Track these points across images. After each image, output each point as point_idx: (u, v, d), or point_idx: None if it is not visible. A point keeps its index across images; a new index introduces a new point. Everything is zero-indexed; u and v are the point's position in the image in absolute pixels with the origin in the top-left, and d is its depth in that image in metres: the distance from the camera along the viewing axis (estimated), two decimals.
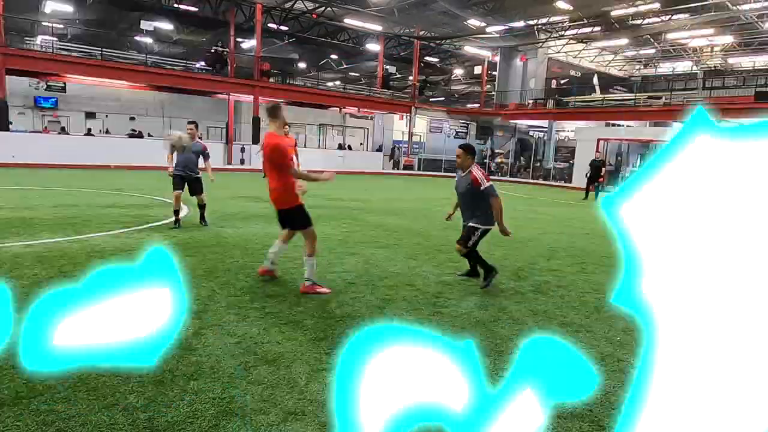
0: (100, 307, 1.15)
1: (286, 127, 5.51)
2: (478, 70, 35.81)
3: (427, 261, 6.47)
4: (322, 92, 29.05)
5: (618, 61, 36.91)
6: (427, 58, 36.86)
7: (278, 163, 4.68)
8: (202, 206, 8.24)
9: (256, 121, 25.88)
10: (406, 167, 31.19)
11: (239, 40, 29.88)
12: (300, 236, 4.95)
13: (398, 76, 40.95)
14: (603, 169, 17.79)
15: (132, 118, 31.58)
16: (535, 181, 28.55)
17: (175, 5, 25.91)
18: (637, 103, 26.88)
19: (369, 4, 26.58)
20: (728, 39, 30.27)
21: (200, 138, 8.86)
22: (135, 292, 1.17)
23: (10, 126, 24.25)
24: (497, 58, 33.56)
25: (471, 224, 5.30)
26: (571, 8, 25.05)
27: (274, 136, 4.67)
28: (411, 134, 32.45)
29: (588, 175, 17.85)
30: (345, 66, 39.84)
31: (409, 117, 31.89)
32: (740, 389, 0.95)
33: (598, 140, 24.11)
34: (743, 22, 26.57)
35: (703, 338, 0.96)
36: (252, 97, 25.49)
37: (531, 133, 35.08)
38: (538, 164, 30.06)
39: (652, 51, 33.81)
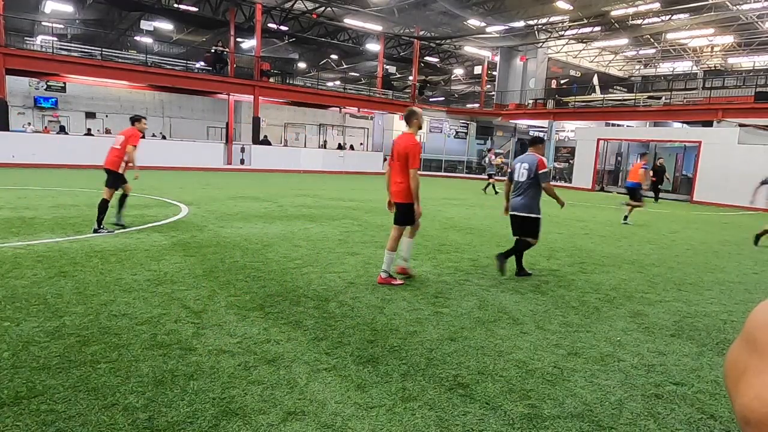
0: None
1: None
2: (478, 70, 35.80)
3: (427, 261, 6.46)
4: (322, 92, 29.04)
5: (618, 61, 36.91)
6: (427, 58, 36.85)
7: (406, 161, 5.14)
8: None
9: (256, 121, 25.88)
10: None
11: (239, 40, 29.88)
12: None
13: (398, 76, 40.94)
14: (664, 174, 19.78)
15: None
16: None
17: (175, 5, 25.91)
18: (637, 103, 26.88)
19: (369, 4, 26.58)
20: (728, 39, 30.28)
21: None
22: None
23: (28, 127, 24.32)
24: (497, 58, 33.55)
25: None
26: (571, 8, 25.04)
27: (408, 138, 5.19)
28: None
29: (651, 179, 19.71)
30: (345, 66, 39.84)
31: None
32: None
33: (603, 140, 24.11)
34: (743, 22, 26.57)
35: None
36: (252, 97, 25.49)
37: (531, 133, 35.07)
38: None
39: (652, 51, 33.81)
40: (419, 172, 5.21)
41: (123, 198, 7.67)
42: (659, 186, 19.62)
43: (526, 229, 5.78)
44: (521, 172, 5.74)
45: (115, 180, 7.34)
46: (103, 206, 7.15)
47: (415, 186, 5.09)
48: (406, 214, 5.23)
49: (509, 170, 5.99)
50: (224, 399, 2.75)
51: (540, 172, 5.61)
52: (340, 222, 9.29)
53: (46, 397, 2.66)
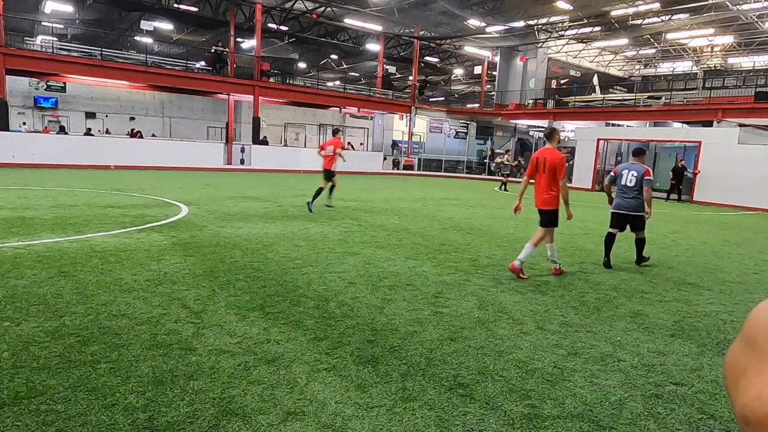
0: None
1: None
2: (478, 70, 35.81)
3: (427, 261, 6.46)
4: (322, 92, 29.03)
5: (618, 61, 36.92)
6: (427, 58, 36.85)
7: (554, 173, 5.88)
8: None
9: (256, 121, 25.89)
10: (406, 167, 31.19)
11: (239, 40, 29.88)
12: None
13: (398, 76, 40.94)
14: (684, 174, 19.85)
15: (132, 118, 31.61)
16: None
17: (175, 5, 25.91)
18: (637, 103, 26.87)
19: (369, 4, 26.58)
20: (728, 39, 30.28)
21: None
22: None
23: (23, 127, 24.33)
24: (497, 58, 33.56)
25: None
26: (571, 8, 25.05)
27: (553, 152, 5.92)
28: (411, 134, 32.46)
29: (671, 179, 19.83)
30: (345, 66, 39.84)
31: (409, 117, 31.89)
32: None
33: (603, 140, 24.10)
34: (743, 22, 26.58)
35: None
36: (252, 97, 25.49)
37: (531, 133, 35.07)
38: None
39: (652, 51, 33.82)
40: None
41: (332, 188, 11.02)
42: (680, 187, 19.77)
43: (633, 224, 6.76)
44: (629, 178, 6.62)
45: (330, 175, 10.78)
46: (318, 191, 10.62)
47: (566, 194, 5.91)
48: (552, 219, 5.95)
49: (612, 174, 6.90)
50: (224, 399, 2.75)
51: (646, 178, 6.53)
52: (340, 222, 9.29)
53: (46, 397, 2.66)
